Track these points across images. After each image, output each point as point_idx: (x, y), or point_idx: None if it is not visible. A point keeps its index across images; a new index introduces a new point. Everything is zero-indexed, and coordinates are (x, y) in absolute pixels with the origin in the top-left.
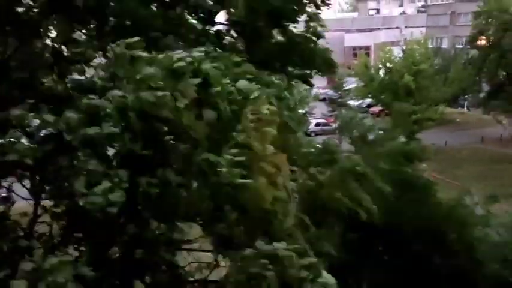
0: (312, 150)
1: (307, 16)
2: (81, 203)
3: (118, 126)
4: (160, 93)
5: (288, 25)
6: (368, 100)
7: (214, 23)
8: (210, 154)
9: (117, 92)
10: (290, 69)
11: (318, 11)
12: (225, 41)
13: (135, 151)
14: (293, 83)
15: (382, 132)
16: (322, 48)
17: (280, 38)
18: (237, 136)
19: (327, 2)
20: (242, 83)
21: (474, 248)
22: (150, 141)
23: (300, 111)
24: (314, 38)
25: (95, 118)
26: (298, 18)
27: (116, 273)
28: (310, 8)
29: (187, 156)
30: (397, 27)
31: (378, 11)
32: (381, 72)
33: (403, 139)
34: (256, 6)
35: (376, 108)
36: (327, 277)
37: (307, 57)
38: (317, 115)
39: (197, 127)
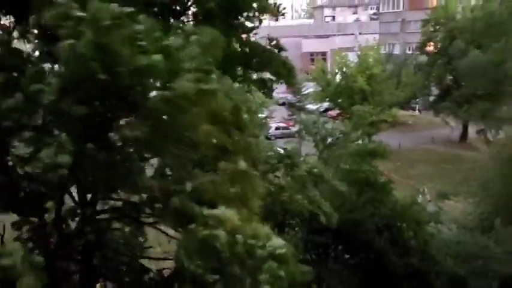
0: (273, 154)
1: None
2: (26, 169)
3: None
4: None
5: (247, 32)
6: (326, 104)
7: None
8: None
9: (70, 41)
10: (249, 74)
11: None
12: None
13: (74, 116)
14: (254, 87)
15: (342, 135)
16: (284, 58)
17: (239, 45)
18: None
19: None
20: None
21: (428, 245)
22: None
23: (261, 115)
24: (275, 50)
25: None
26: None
27: (72, 281)
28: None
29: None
30: (351, 34)
31: (333, 18)
32: (338, 77)
33: (362, 141)
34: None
35: (333, 112)
36: (275, 241)
37: (266, 63)
38: (277, 119)
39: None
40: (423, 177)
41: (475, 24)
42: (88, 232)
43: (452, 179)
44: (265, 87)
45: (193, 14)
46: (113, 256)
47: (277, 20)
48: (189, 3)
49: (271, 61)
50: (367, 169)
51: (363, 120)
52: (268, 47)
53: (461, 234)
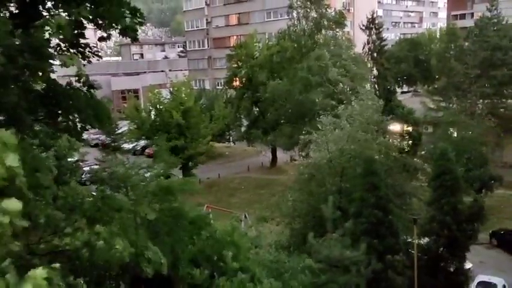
0: (88, 199)
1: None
2: None
3: None
4: None
5: (48, 73)
6: (142, 142)
7: None
8: None
9: None
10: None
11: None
12: None
13: None
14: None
15: (145, 169)
16: (97, 99)
17: (40, 87)
18: None
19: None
20: None
21: (250, 271)
22: None
23: (71, 159)
24: (85, 90)
25: None
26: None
27: None
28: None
29: None
30: (162, 71)
31: (142, 55)
32: (152, 114)
33: (172, 174)
34: None
35: (151, 150)
36: None
37: (76, 108)
38: (90, 161)
39: None
40: (243, 204)
41: (273, 59)
42: None
43: (267, 202)
44: (74, 131)
45: None
46: None
47: (89, 62)
48: None
49: (83, 110)
50: (174, 206)
51: (166, 153)
52: (78, 85)
53: (278, 253)
